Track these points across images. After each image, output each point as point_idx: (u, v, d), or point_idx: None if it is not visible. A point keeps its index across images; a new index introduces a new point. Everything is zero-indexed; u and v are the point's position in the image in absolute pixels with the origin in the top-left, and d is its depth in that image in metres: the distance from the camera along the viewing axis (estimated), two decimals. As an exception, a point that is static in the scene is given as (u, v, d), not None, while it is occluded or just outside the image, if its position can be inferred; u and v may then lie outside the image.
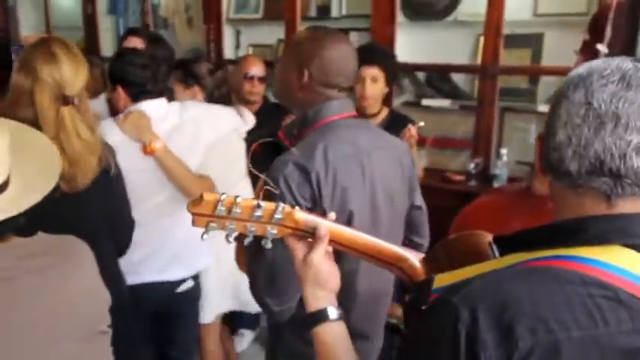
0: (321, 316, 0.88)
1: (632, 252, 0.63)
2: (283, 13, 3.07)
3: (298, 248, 0.92)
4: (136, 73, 1.89)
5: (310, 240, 0.91)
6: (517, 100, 2.77)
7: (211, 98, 2.30)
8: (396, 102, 2.99)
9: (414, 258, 0.96)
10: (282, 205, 0.88)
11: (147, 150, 1.84)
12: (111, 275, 1.57)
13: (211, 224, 0.87)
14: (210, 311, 2.29)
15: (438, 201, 2.39)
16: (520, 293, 0.62)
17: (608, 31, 1.76)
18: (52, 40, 1.60)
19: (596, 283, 0.61)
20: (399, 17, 2.82)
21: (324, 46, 1.36)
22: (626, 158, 0.62)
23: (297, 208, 0.91)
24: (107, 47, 3.99)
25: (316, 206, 1.27)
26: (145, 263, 1.98)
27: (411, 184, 1.56)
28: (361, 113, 2.43)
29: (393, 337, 2.03)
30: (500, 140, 2.77)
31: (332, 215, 0.96)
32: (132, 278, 1.93)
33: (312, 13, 3.28)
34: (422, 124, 2.36)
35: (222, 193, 0.86)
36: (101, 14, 4.01)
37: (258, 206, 0.86)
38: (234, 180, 2.19)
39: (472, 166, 2.63)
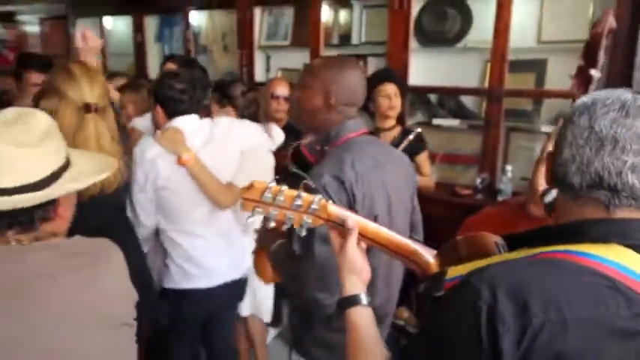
0: (355, 300, 0.90)
1: (629, 251, 0.68)
2: (309, 40, 3.12)
3: (335, 238, 0.96)
4: (172, 94, 1.91)
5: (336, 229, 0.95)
6: (521, 120, 2.75)
7: (242, 116, 2.34)
8: (410, 121, 3.02)
9: (427, 253, 0.98)
10: (318, 196, 0.92)
11: (180, 162, 1.86)
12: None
13: (257, 209, 0.91)
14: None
15: (446, 213, 2.41)
16: (534, 277, 0.67)
17: (601, 57, 1.75)
18: (69, 63, 1.67)
19: (598, 274, 0.66)
20: (413, 44, 2.85)
21: (345, 71, 1.44)
22: (622, 175, 0.67)
23: (330, 201, 0.95)
24: (154, 71, 4.02)
25: (351, 208, 1.32)
26: (195, 269, 1.99)
27: (414, 190, 1.64)
28: (381, 126, 2.53)
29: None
30: (505, 157, 2.74)
31: (352, 219, 0.97)
32: (185, 283, 1.99)
33: (335, 40, 3.31)
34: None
35: (271, 181, 0.91)
36: (149, 42, 4.10)
37: (299, 196, 0.90)
38: None
39: (479, 181, 2.63)
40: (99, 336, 1.01)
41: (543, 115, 2.68)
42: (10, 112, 1.01)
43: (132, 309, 1.11)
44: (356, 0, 3.18)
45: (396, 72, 2.77)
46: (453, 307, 0.71)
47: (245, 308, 2.40)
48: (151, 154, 1.86)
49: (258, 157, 2.17)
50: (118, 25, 4.39)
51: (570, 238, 0.72)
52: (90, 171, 1.06)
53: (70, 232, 1.11)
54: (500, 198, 2.53)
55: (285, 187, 0.91)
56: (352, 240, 0.92)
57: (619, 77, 2.26)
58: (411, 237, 1.62)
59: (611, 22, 1.71)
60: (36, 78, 2.48)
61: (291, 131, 2.57)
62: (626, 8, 2.21)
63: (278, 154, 2.34)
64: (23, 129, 0.96)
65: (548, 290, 0.65)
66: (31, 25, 4.85)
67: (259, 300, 2.42)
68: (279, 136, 2.38)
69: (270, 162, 2.29)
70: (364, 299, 0.91)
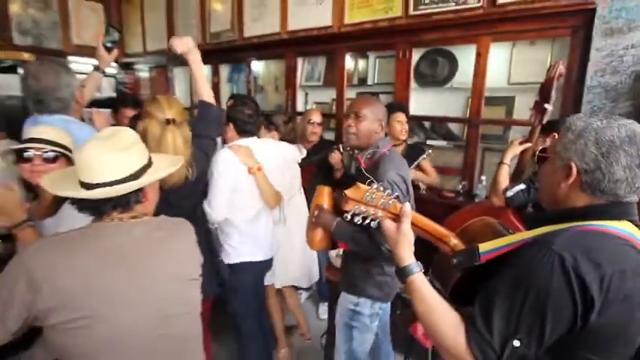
0: (413, 268, 0.86)
1: (630, 223, 0.76)
2: (336, 81, 3.15)
3: (391, 225, 0.90)
4: (242, 116, 1.92)
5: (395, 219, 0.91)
6: (494, 142, 2.73)
7: (283, 138, 2.39)
8: (410, 141, 3.01)
9: (452, 236, 0.95)
10: (393, 195, 0.91)
11: (251, 171, 1.87)
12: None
13: (355, 207, 0.88)
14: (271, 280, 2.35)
15: (435, 210, 2.41)
16: (593, 243, 0.71)
17: (553, 95, 1.74)
18: (157, 95, 1.65)
19: (622, 239, 0.73)
20: (413, 84, 2.85)
21: (383, 107, 1.62)
22: None
23: (396, 200, 0.92)
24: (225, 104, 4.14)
25: (407, 194, 1.51)
26: (251, 247, 1.99)
27: None
28: (394, 143, 2.48)
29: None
30: (481, 170, 2.70)
31: (407, 205, 0.93)
32: (243, 257, 1.96)
33: (355, 81, 3.33)
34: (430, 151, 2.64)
35: (370, 183, 0.90)
36: (223, 83, 4.14)
37: (383, 195, 0.89)
38: (294, 191, 2.25)
39: (460, 187, 2.62)
40: (175, 285, 1.03)
41: (511, 138, 2.63)
42: (108, 130, 1.02)
43: (198, 268, 1.12)
44: (371, 52, 3.20)
45: (403, 105, 2.80)
46: (543, 268, 0.69)
47: (279, 281, 2.37)
48: (227, 162, 1.84)
49: (293, 167, 2.22)
50: None
51: (592, 217, 0.75)
52: (164, 167, 1.07)
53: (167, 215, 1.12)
54: (476, 200, 2.51)
55: (377, 187, 0.89)
56: (407, 221, 0.89)
57: (570, 110, 2.21)
58: None
59: (561, 68, 1.71)
60: (128, 112, 2.46)
61: (321, 148, 2.64)
62: (576, 58, 2.17)
63: (302, 165, 2.39)
64: (116, 141, 0.97)
65: (606, 251, 0.70)
66: (143, 71, 4.97)
67: (290, 274, 2.40)
68: (304, 153, 2.41)
69: (298, 170, 2.32)
70: (419, 265, 0.87)
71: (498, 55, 2.60)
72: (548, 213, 0.86)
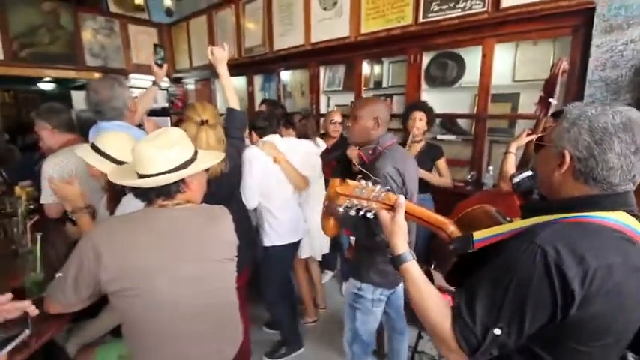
0: (407, 256, 0.83)
1: (625, 214, 0.67)
2: (354, 86, 3.16)
3: (387, 216, 0.87)
4: (259, 125, 2.01)
5: (390, 210, 0.88)
6: (501, 135, 2.63)
7: (298, 135, 2.41)
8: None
9: (449, 223, 0.92)
10: (386, 189, 0.88)
11: (275, 161, 1.94)
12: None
13: (347, 201, 0.85)
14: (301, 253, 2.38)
15: (446, 198, 2.37)
16: (579, 236, 0.64)
17: (557, 90, 1.66)
18: (194, 102, 1.72)
19: (616, 231, 0.65)
20: (423, 85, 2.81)
21: (382, 106, 1.54)
22: None
23: (389, 192, 0.89)
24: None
25: (404, 185, 1.44)
26: (284, 229, 2.03)
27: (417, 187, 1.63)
28: (412, 139, 2.42)
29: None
30: (488, 161, 2.62)
31: (402, 197, 0.90)
32: (279, 240, 2.01)
33: (371, 85, 3.29)
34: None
35: (360, 179, 0.86)
36: (256, 90, 4.22)
37: (375, 189, 0.86)
38: (314, 177, 2.25)
39: (469, 177, 2.56)
40: (213, 264, 1.06)
41: (516, 131, 2.54)
42: (158, 131, 1.06)
43: (234, 250, 1.14)
44: (385, 58, 3.16)
45: (427, 105, 2.61)
46: (525, 261, 0.64)
47: (305, 252, 2.38)
48: (255, 156, 1.91)
49: (310, 158, 2.24)
50: (238, 81, 4.39)
51: (584, 207, 0.68)
52: (206, 161, 1.09)
53: (209, 201, 1.15)
54: (484, 188, 2.44)
55: (369, 184, 0.86)
56: (401, 212, 0.86)
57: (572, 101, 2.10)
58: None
59: (564, 65, 1.62)
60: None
61: (342, 144, 2.64)
62: (577, 54, 2.06)
63: (322, 157, 2.40)
64: (162, 139, 1.01)
65: (592, 244, 0.62)
66: (190, 84, 5.11)
67: (315, 247, 2.43)
68: (322, 145, 2.42)
69: (318, 160, 2.33)
70: (412, 253, 0.84)
71: (503, 55, 2.51)
72: (542, 203, 0.78)
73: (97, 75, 4.50)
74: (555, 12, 2.06)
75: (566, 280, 0.60)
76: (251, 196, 1.93)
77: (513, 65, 2.53)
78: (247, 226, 1.94)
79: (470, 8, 2.39)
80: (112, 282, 0.91)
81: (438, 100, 2.86)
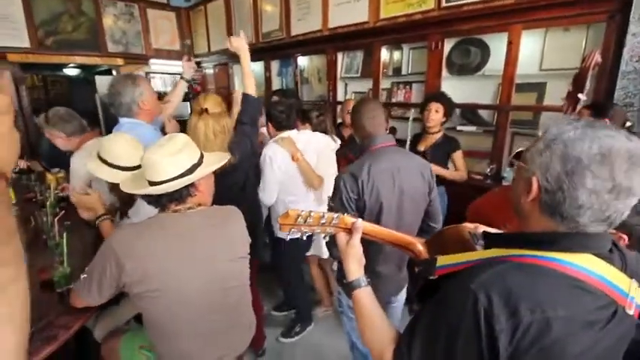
0: (359, 282, 0.81)
1: (591, 256, 0.58)
2: (372, 72, 3.08)
3: (343, 238, 0.85)
4: (277, 115, 1.98)
5: (350, 233, 0.85)
6: (524, 127, 2.52)
7: (315, 130, 2.36)
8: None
9: (419, 243, 0.88)
10: (338, 214, 0.84)
11: (294, 159, 1.94)
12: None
13: (292, 229, 0.83)
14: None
15: (464, 191, 2.33)
16: (521, 283, 0.56)
17: (588, 85, 1.55)
18: (205, 93, 1.78)
19: (569, 277, 0.56)
20: (444, 73, 2.71)
21: (374, 109, 1.40)
22: (624, 215, 0.57)
23: (346, 214, 0.86)
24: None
25: (360, 198, 1.30)
26: None
27: (430, 188, 1.45)
28: (427, 130, 2.37)
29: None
30: (510, 153, 2.52)
31: (359, 221, 0.87)
32: (291, 234, 2.04)
33: (390, 72, 3.21)
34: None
35: (302, 210, 0.83)
36: (274, 76, 4.19)
37: (323, 216, 0.83)
38: (330, 174, 2.19)
39: (488, 170, 2.47)
40: (227, 263, 1.10)
41: (541, 122, 2.44)
42: (164, 138, 1.08)
43: (246, 248, 1.17)
44: (405, 44, 3.05)
45: (445, 95, 2.52)
46: (458, 306, 0.58)
47: (314, 250, 2.36)
48: (275, 153, 1.92)
49: (327, 154, 2.21)
50: (256, 67, 4.37)
51: (544, 246, 0.59)
52: (212, 163, 1.11)
53: (221, 196, 1.17)
54: (504, 182, 2.37)
55: (312, 212, 0.83)
56: (357, 236, 0.83)
57: (603, 96, 1.98)
58: (427, 224, 1.50)
59: (597, 57, 1.50)
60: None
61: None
62: (611, 43, 1.92)
63: (337, 152, 2.36)
64: (169, 147, 1.04)
65: (532, 294, 0.55)
66: (208, 69, 5.11)
67: (322, 245, 2.39)
68: (337, 141, 2.37)
69: (333, 157, 2.30)
70: (365, 280, 0.81)
71: (530, 41, 2.37)
72: (503, 234, 0.71)
73: (119, 61, 4.58)
74: (589, -4, 1.92)
75: (493, 334, 0.54)
76: (270, 192, 1.94)
77: (541, 53, 2.40)
78: (257, 221, 1.97)
79: (496, -8, 2.25)
80: (133, 285, 0.97)
81: (460, 88, 2.76)
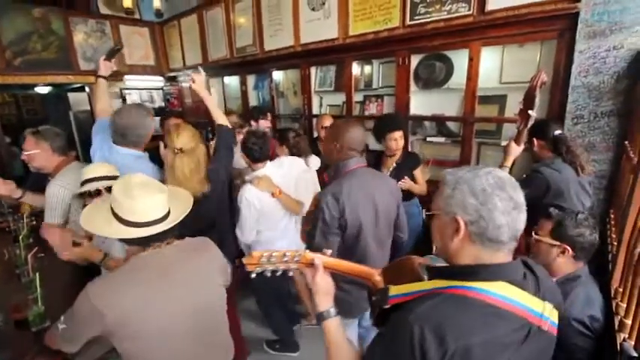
0: (328, 314, 0.85)
1: (507, 284, 0.66)
2: (345, 86, 3.15)
3: (309, 273, 0.89)
4: (251, 148, 1.95)
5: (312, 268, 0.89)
6: (489, 137, 2.63)
7: (291, 152, 2.39)
8: (412, 138, 2.99)
9: (376, 273, 0.92)
10: (300, 251, 0.88)
11: (274, 196, 1.96)
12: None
13: (257, 268, 0.86)
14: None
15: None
16: (447, 315, 0.63)
17: (537, 101, 1.65)
18: (172, 124, 1.79)
19: (486, 304, 0.64)
20: (413, 87, 2.81)
21: (350, 132, 1.45)
22: (521, 230, 0.69)
23: (307, 251, 0.89)
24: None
25: (342, 216, 1.38)
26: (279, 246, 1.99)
27: (397, 203, 1.60)
28: (388, 155, 2.36)
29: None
30: (477, 163, 2.65)
31: (328, 252, 0.93)
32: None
33: (362, 86, 3.27)
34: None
35: (265, 251, 0.86)
36: (250, 90, 4.19)
37: (285, 255, 0.87)
38: (307, 198, 2.17)
39: (458, 179, 2.57)
40: (205, 291, 1.11)
41: (504, 133, 2.55)
42: (138, 177, 1.06)
43: (225, 276, 1.19)
44: (375, 59, 3.13)
45: (399, 110, 2.73)
46: (399, 337, 0.64)
47: None
48: (252, 195, 1.92)
49: (303, 177, 2.24)
50: (232, 81, 4.51)
51: (469, 277, 0.67)
52: (180, 208, 1.11)
53: (190, 229, 1.15)
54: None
55: (275, 252, 0.87)
56: (320, 271, 0.88)
57: (557, 109, 2.11)
58: (395, 235, 1.61)
59: (543, 77, 1.60)
60: (172, 121, 2.46)
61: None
62: (562, 59, 2.06)
63: (319, 173, 2.40)
64: (149, 187, 1.04)
65: (456, 324, 0.62)
66: (185, 82, 4.99)
67: None
68: (316, 164, 2.35)
69: (314, 179, 2.33)
70: (333, 311, 0.86)
71: (490, 56, 2.49)
72: (442, 268, 0.77)
73: (91, 79, 4.49)
74: (541, 16, 2.04)
75: None
76: (248, 231, 1.97)
77: (500, 67, 2.51)
78: (231, 252, 1.95)
79: (456, 11, 2.36)
80: (112, 334, 0.96)
81: (427, 101, 2.87)
